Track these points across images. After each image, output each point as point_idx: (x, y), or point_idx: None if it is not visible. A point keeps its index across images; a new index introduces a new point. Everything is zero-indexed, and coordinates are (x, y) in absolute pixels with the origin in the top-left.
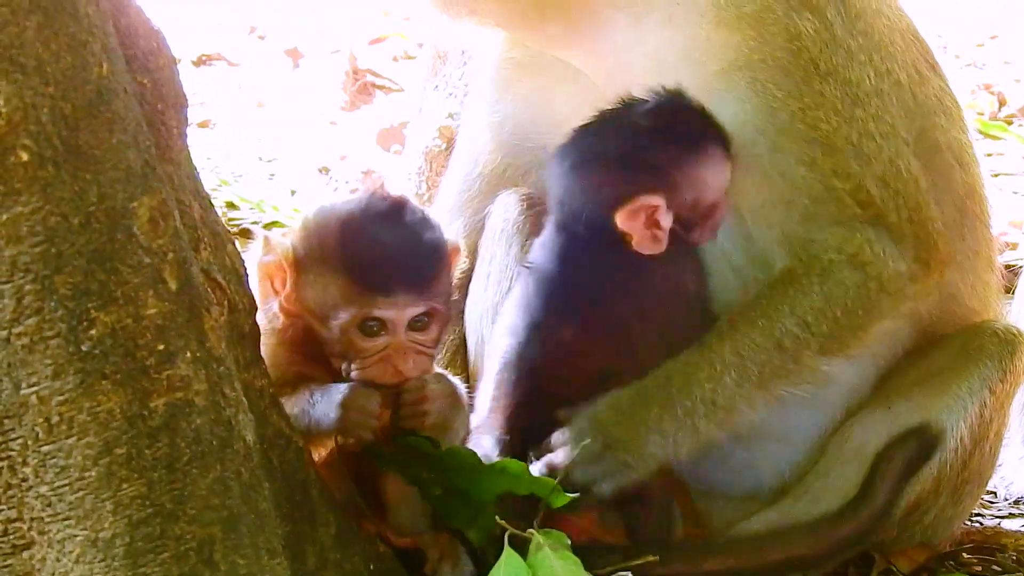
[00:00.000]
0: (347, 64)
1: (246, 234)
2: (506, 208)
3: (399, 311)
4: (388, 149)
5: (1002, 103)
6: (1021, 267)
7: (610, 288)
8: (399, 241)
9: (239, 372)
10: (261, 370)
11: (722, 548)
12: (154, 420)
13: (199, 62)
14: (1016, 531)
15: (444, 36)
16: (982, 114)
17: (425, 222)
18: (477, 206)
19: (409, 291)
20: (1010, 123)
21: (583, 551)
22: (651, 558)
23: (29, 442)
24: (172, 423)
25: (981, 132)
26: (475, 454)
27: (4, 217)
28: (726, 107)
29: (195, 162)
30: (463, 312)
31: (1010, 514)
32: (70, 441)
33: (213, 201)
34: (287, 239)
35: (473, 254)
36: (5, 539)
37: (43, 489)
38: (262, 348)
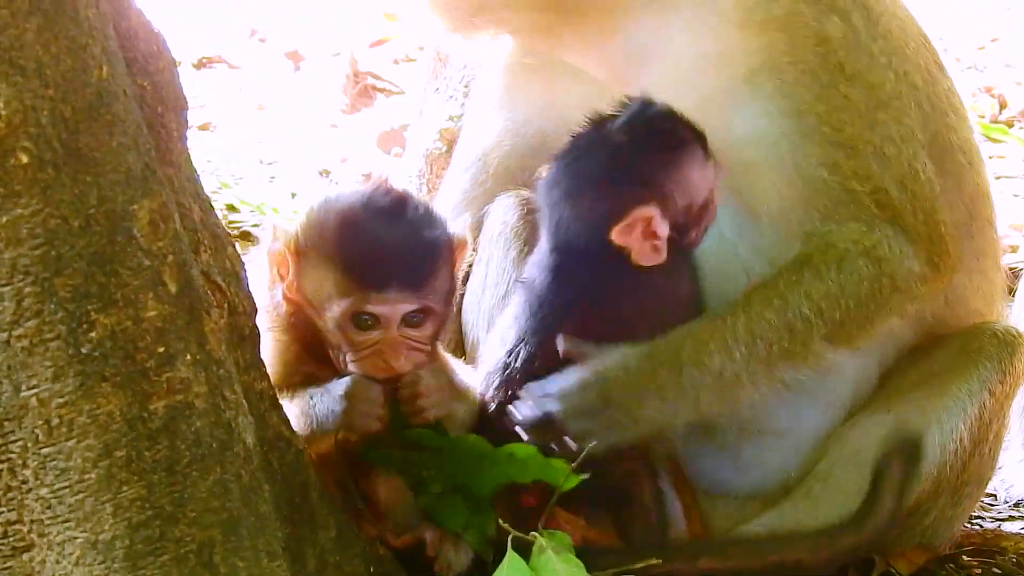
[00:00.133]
0: (348, 67)
1: (246, 237)
2: (504, 211)
3: (392, 307)
4: (389, 152)
5: (1003, 106)
6: (1022, 269)
7: (608, 308)
8: (396, 237)
9: (239, 374)
10: (261, 372)
11: (722, 550)
12: (154, 423)
13: (200, 65)
14: (1016, 534)
15: (455, 45)
16: (983, 117)
17: (427, 219)
18: (482, 204)
19: (403, 288)
20: (1011, 126)
21: (582, 554)
22: (654, 561)
23: (29, 444)
24: (172, 426)
25: (982, 135)
26: (484, 441)
27: (4, 219)
28: (751, 110)
29: (195, 165)
30: (460, 311)
31: (1010, 517)
32: (70, 443)
33: (213, 204)
34: (293, 227)
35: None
36: (5, 541)
37: (43, 491)
38: (271, 347)
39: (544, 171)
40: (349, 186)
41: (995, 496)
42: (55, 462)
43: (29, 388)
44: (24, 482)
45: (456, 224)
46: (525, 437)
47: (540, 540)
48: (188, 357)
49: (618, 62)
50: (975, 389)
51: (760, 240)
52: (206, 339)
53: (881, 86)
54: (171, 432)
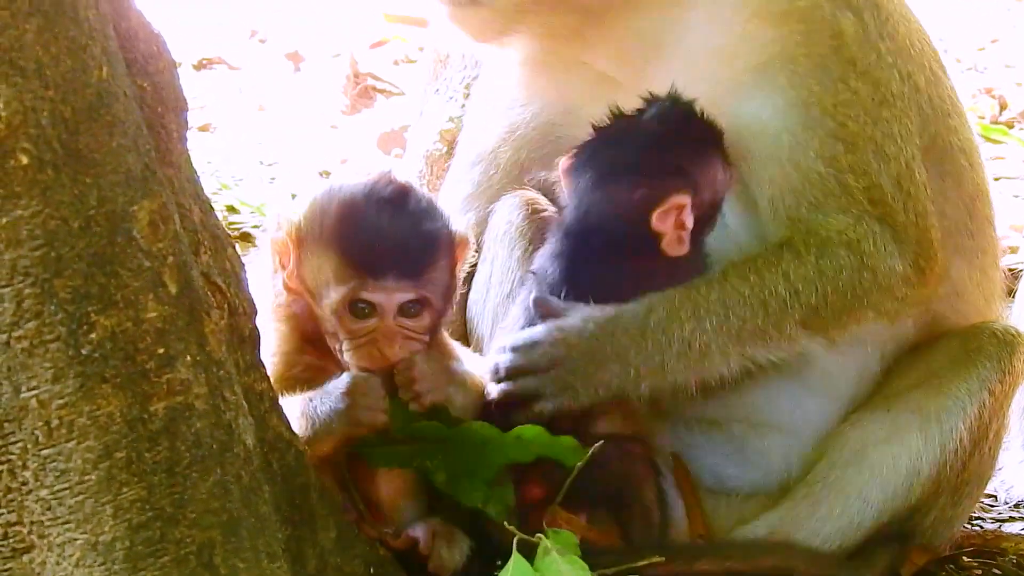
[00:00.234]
0: (348, 68)
1: (246, 238)
2: (509, 210)
3: (388, 295)
4: (389, 153)
5: (1003, 107)
6: (1021, 271)
7: (624, 294)
8: (396, 226)
9: (239, 376)
10: (261, 374)
11: (723, 552)
12: (154, 424)
13: (200, 66)
14: (1016, 535)
15: (478, 51)
16: (983, 118)
17: (429, 211)
18: (492, 196)
19: (400, 277)
20: (1011, 127)
21: (583, 554)
22: (656, 559)
23: (29, 446)
24: (172, 427)
25: (982, 136)
26: (490, 426)
27: (4, 221)
28: (758, 100)
29: (195, 166)
30: (465, 309)
31: (1010, 517)
32: (70, 445)
33: (213, 205)
34: (295, 216)
35: (480, 250)
36: (5, 543)
37: (43, 493)
38: (272, 337)
39: (566, 160)
40: (352, 176)
41: (995, 497)
42: (55, 463)
43: (29, 389)
44: (24, 483)
45: (460, 221)
46: (492, 393)
47: (545, 541)
48: (188, 358)
49: (633, 56)
50: (974, 389)
51: (753, 229)
52: (206, 340)
53: (887, 84)
54: (171, 433)
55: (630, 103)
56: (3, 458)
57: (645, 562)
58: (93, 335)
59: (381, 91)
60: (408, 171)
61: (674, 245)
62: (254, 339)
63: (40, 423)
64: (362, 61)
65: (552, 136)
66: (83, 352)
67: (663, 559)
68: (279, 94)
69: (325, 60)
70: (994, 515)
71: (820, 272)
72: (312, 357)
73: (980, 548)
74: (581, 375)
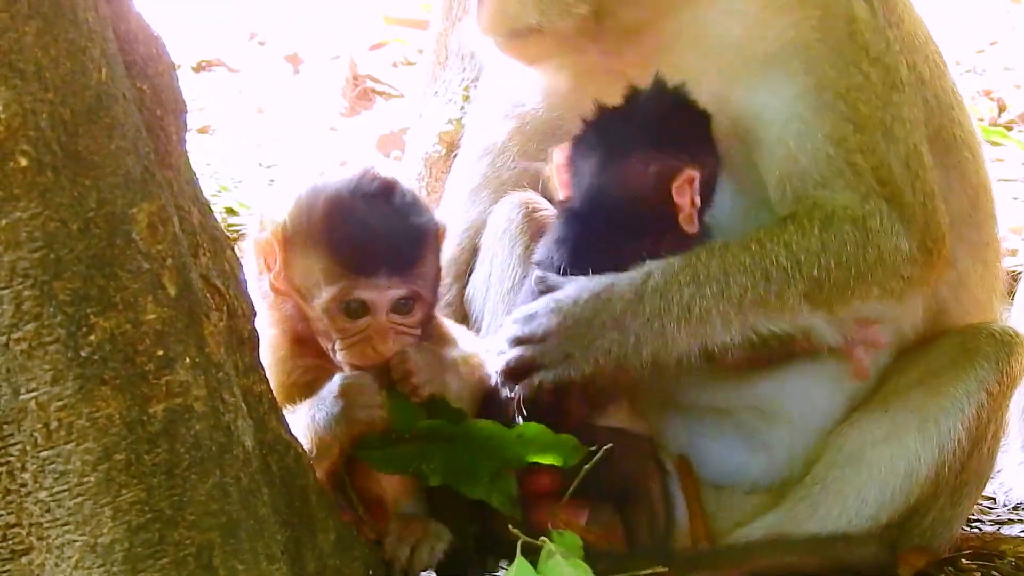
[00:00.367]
0: (347, 70)
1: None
2: (509, 209)
3: (381, 293)
4: (388, 155)
5: (1002, 109)
6: (1021, 273)
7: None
8: (385, 223)
9: (238, 377)
10: (260, 376)
11: (723, 556)
12: (153, 426)
13: (199, 68)
14: (1015, 537)
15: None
16: (982, 120)
17: (414, 205)
18: (499, 188)
19: (391, 273)
20: (1010, 129)
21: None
22: (660, 569)
23: (28, 447)
24: (171, 429)
25: (981, 138)
26: (494, 424)
27: (3, 223)
28: (770, 86)
29: (194, 168)
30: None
31: (1009, 520)
32: (69, 447)
33: (212, 207)
34: (280, 216)
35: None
36: (4, 544)
37: (42, 494)
38: (267, 345)
39: (560, 152)
40: (336, 173)
41: (994, 499)
42: (54, 465)
43: (28, 391)
44: (23, 485)
45: (439, 212)
46: (494, 371)
47: (549, 544)
48: (187, 360)
49: (648, 51)
50: (973, 389)
51: (760, 220)
52: (205, 342)
53: (896, 70)
54: (170, 435)
55: None
56: (2, 460)
57: (649, 572)
58: (92, 337)
59: (380, 93)
60: (405, 175)
61: (689, 221)
62: (253, 341)
63: (39, 425)
64: (361, 63)
65: (561, 129)
66: (82, 354)
67: (665, 569)
68: (278, 96)
69: (324, 62)
70: (993, 517)
71: (823, 245)
72: (309, 358)
73: (979, 550)
74: (579, 343)
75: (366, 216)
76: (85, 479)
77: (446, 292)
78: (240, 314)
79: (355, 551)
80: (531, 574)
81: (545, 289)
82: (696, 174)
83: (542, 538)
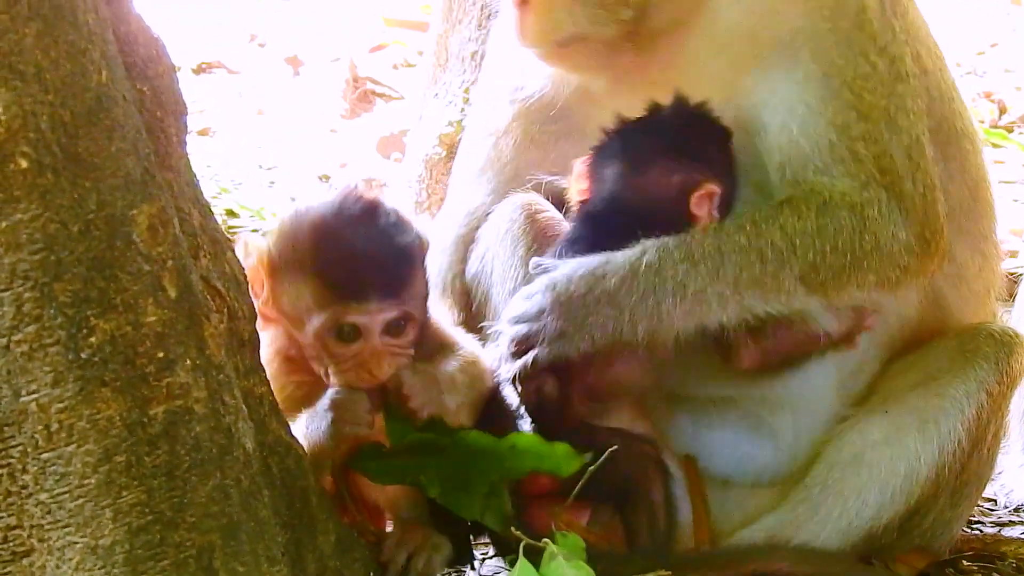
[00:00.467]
0: (347, 72)
1: None
2: (511, 210)
3: (373, 317)
4: (388, 157)
5: (1002, 111)
6: (1021, 275)
7: None
8: (372, 246)
9: (239, 379)
10: (261, 377)
11: (724, 558)
12: (154, 427)
13: (199, 70)
14: (1016, 538)
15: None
16: (982, 122)
17: (399, 225)
18: (503, 169)
19: (383, 297)
20: (1011, 131)
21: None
22: (664, 572)
23: (29, 449)
24: (172, 430)
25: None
26: (485, 435)
27: (3, 224)
28: (778, 74)
29: (195, 170)
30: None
31: (1010, 521)
32: (70, 448)
33: (213, 209)
34: (264, 242)
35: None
36: (5, 546)
37: (43, 496)
38: (267, 371)
39: (582, 161)
40: (318, 196)
41: (995, 501)
42: (55, 467)
43: (29, 393)
44: (24, 487)
45: (422, 223)
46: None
47: (551, 546)
48: (188, 362)
49: (674, 47)
50: (972, 390)
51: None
52: (206, 344)
53: (902, 60)
54: (171, 437)
55: (648, 85)
56: (3, 462)
57: (652, 575)
58: (93, 339)
59: (380, 95)
60: (406, 177)
61: None
62: (254, 343)
63: (40, 427)
64: (361, 65)
65: (565, 112)
66: (83, 356)
67: (669, 572)
68: (278, 98)
69: (324, 64)
70: (994, 519)
71: (819, 229)
72: (299, 375)
73: (980, 552)
74: (573, 319)
75: (353, 240)
76: (86, 481)
77: (447, 274)
78: (241, 316)
79: (355, 553)
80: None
81: (543, 273)
82: (717, 189)
83: (544, 540)
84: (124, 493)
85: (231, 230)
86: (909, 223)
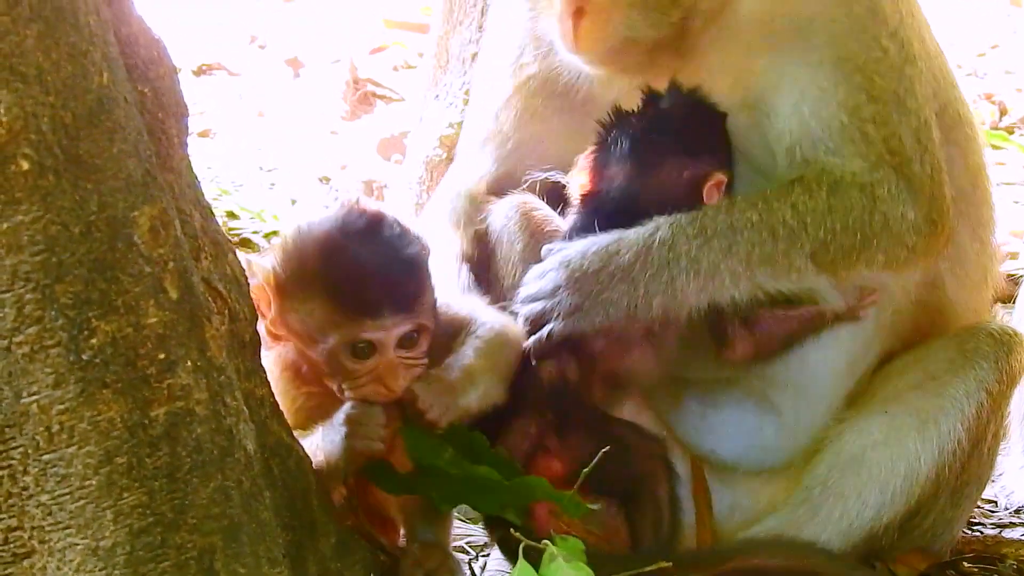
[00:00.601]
0: (347, 74)
1: (247, 244)
2: (508, 208)
3: (388, 332)
4: (389, 159)
5: (1003, 112)
6: (1022, 276)
7: None
8: (381, 261)
9: (240, 381)
10: (262, 379)
11: (725, 557)
12: (155, 429)
13: (200, 71)
14: (1017, 540)
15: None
16: (983, 124)
17: (403, 236)
18: (505, 141)
19: (396, 312)
20: (1011, 132)
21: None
22: (664, 564)
23: (30, 451)
24: (173, 432)
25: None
26: (495, 473)
27: (5, 226)
28: (792, 59)
29: (196, 171)
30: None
31: (1011, 523)
32: (71, 450)
33: (214, 210)
34: (268, 261)
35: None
36: (6, 548)
37: (44, 498)
38: (275, 386)
39: (586, 155)
40: (319, 212)
41: (995, 503)
42: (56, 468)
43: (30, 395)
44: (25, 488)
45: (423, 230)
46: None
47: (551, 548)
48: (189, 364)
49: (691, 37)
50: (972, 389)
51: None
52: (207, 346)
53: (911, 43)
54: (172, 439)
55: (659, 68)
56: (4, 463)
57: (653, 567)
58: (94, 340)
59: (381, 97)
60: (406, 178)
61: None
62: (255, 344)
63: (41, 428)
64: (362, 67)
65: (565, 85)
66: (84, 357)
67: (669, 564)
68: (279, 100)
69: (325, 66)
70: (994, 520)
71: (830, 207)
72: (308, 387)
73: (980, 554)
74: (587, 294)
75: (361, 256)
76: (87, 482)
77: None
78: (242, 318)
79: (356, 554)
80: None
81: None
82: (725, 178)
83: (544, 541)
84: (125, 495)
85: (232, 232)
86: (917, 204)
